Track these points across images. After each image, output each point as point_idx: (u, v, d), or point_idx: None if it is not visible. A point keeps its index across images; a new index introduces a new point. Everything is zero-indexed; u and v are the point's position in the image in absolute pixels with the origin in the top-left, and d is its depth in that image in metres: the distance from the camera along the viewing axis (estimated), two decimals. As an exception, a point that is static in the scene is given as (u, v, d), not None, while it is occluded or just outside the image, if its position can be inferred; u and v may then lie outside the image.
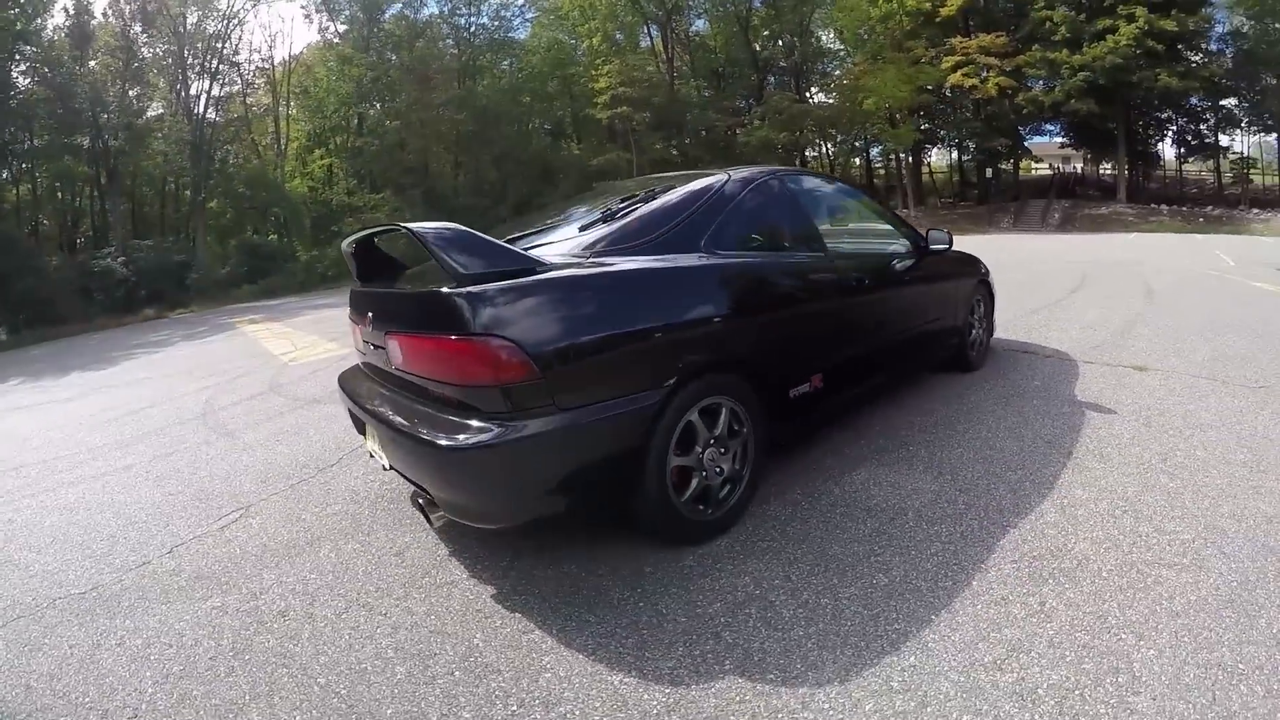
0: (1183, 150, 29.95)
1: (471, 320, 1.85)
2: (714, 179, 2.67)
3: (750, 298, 2.46)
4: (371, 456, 2.42)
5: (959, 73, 24.93)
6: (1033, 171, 34.02)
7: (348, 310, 2.71)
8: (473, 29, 29.63)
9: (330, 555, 2.52)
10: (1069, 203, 26.74)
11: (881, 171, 34.34)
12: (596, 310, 2.03)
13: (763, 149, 26.11)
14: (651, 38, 29.92)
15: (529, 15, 30.77)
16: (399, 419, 2.13)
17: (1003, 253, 11.24)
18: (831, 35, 29.95)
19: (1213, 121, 28.48)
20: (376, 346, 2.34)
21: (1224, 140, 29.01)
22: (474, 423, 1.91)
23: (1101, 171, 34.26)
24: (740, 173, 2.79)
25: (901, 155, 29.93)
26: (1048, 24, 25.20)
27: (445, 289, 1.92)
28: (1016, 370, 4.35)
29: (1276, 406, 3.40)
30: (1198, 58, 25.54)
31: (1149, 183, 29.63)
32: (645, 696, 1.66)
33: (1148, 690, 1.55)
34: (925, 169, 33.56)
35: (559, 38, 30.62)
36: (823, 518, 2.47)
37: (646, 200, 2.45)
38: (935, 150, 33.54)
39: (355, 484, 3.24)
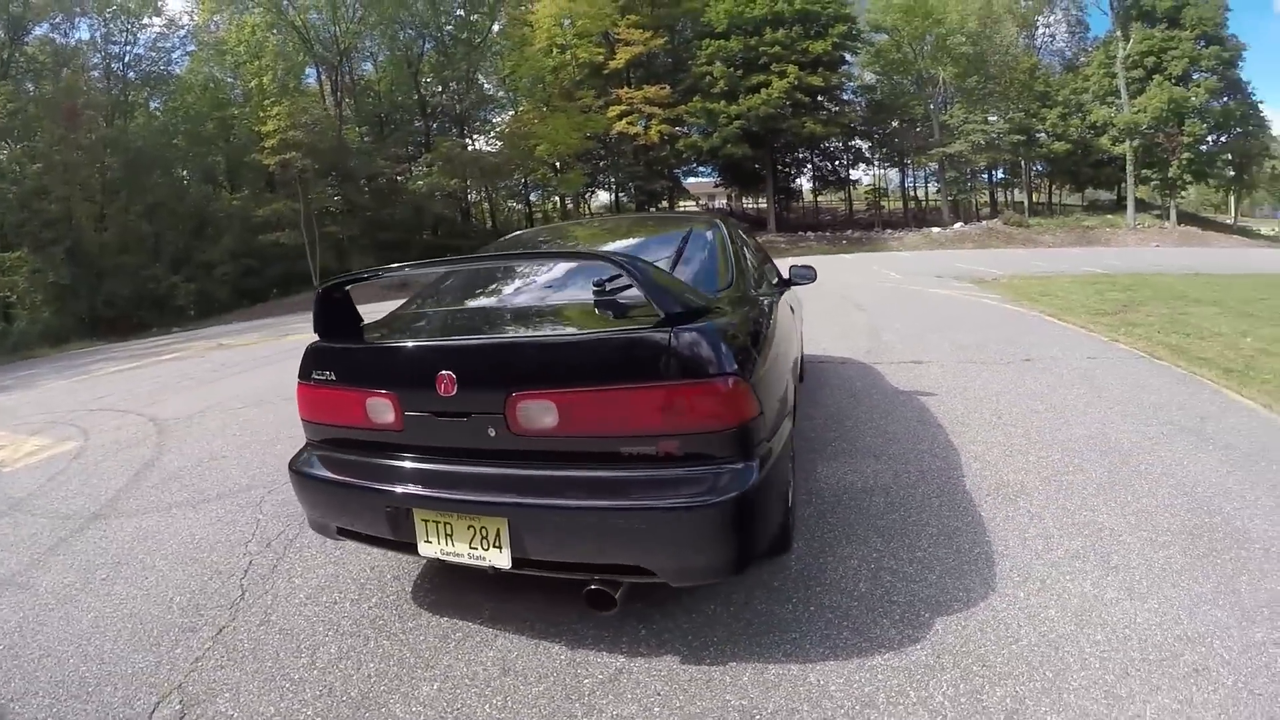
0: (818, 184, 40.22)
1: (714, 360, 1.84)
2: (699, 224, 3.15)
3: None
4: (441, 559, 2.10)
5: (624, 121, 30.18)
6: (685, 209, 41.62)
7: (344, 376, 2.29)
8: (127, 59, 27.93)
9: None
10: (725, 236, 34.92)
11: (539, 215, 38.84)
12: (774, 343, 2.34)
13: (429, 196, 28.58)
14: (321, 80, 30.22)
15: (189, 48, 29.63)
16: (576, 497, 1.91)
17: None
18: (495, 83, 33.48)
19: (846, 159, 38.84)
20: (457, 416, 2.05)
21: (854, 174, 40.35)
22: (707, 471, 1.86)
23: (747, 206, 43.52)
24: (703, 218, 3.37)
25: (564, 199, 34.53)
26: (708, 78, 32.16)
27: (666, 330, 1.86)
28: (836, 376, 5.64)
29: (1034, 373, 5.25)
30: (836, 107, 34.76)
31: (790, 214, 38.27)
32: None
33: (1008, 467, 3.40)
34: (586, 211, 38.32)
35: (216, 75, 29.81)
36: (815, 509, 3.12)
37: (684, 244, 2.73)
38: (597, 193, 39.09)
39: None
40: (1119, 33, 37.45)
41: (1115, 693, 1.82)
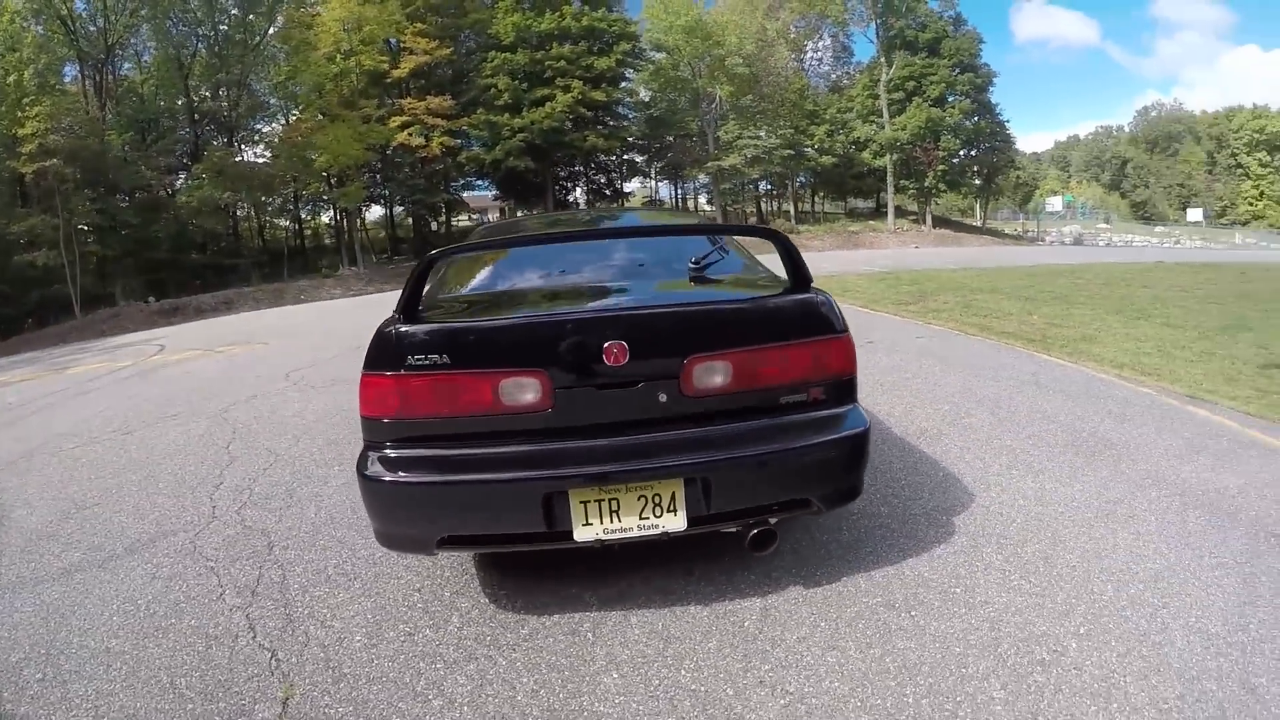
0: (592, 197, 43.01)
1: (840, 319, 2.47)
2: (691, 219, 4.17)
3: None
4: (601, 540, 2.25)
5: (405, 132, 31.01)
6: (457, 224, 42.12)
7: (467, 358, 2.25)
8: None
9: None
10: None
11: (309, 232, 39.26)
12: None
13: (198, 211, 27.91)
14: (82, 78, 28.30)
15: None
16: (752, 446, 2.27)
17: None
18: (268, 89, 32.61)
19: (621, 172, 42.39)
20: (623, 385, 2.27)
21: (628, 187, 44.30)
22: (839, 411, 2.43)
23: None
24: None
25: (343, 214, 33.93)
26: (493, 90, 33.82)
27: (804, 295, 2.47)
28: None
29: (883, 352, 6.82)
30: (616, 122, 38.08)
31: None
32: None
33: (918, 417, 4.84)
34: (362, 227, 37.94)
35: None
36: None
37: (713, 244, 3.06)
38: (372, 207, 39.14)
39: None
40: (883, 59, 44.18)
41: (1093, 533, 2.93)
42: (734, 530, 2.43)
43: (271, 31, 30.62)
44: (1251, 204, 71.81)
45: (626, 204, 43.35)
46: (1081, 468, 3.74)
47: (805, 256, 2.58)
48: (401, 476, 2.26)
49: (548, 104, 33.47)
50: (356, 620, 2.56)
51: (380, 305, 8.01)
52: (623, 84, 38.26)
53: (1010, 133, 49.66)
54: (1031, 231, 46.66)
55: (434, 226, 39.20)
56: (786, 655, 2.23)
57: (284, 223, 38.05)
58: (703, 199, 49.33)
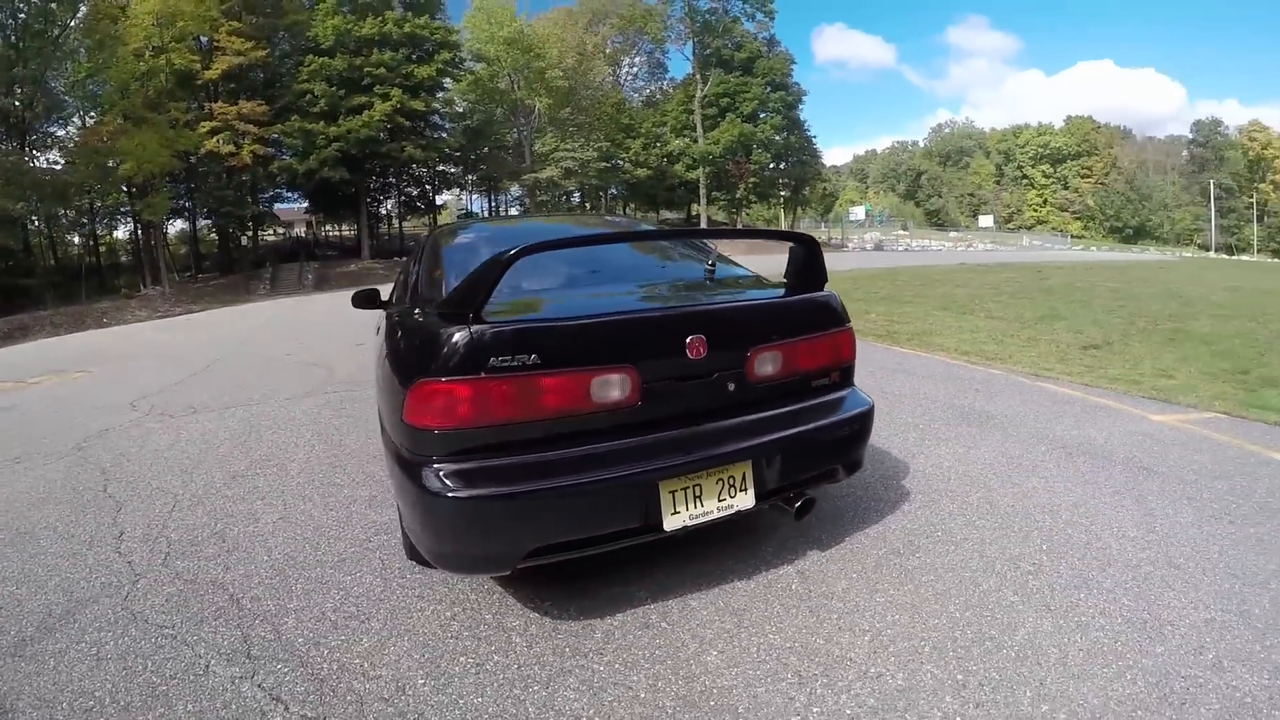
0: (403, 209, 43.49)
1: (846, 313, 2.95)
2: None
3: None
4: (686, 527, 2.38)
5: (215, 139, 29.72)
6: (265, 238, 41.03)
7: (558, 357, 2.28)
8: None
9: None
10: (318, 264, 33.89)
11: (103, 248, 36.54)
12: None
13: None
14: None
15: None
16: (802, 424, 2.65)
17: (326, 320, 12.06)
18: (64, 88, 30.42)
19: (434, 185, 42.52)
20: (701, 377, 2.46)
21: (440, 199, 44.29)
22: (849, 391, 2.94)
23: (330, 233, 45.72)
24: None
25: (145, 227, 31.40)
26: (308, 96, 32.86)
27: (827, 293, 2.93)
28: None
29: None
30: (434, 133, 38.09)
31: (373, 240, 39.50)
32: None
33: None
34: (164, 242, 34.89)
35: None
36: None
37: (698, 249, 3.64)
38: (175, 221, 36.79)
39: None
40: (699, 76, 47.61)
41: (1014, 481, 3.71)
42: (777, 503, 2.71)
43: (73, 23, 28.09)
44: (1035, 210, 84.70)
45: (439, 218, 43.01)
46: (979, 435, 4.51)
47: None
48: (483, 490, 2.18)
49: (365, 112, 32.75)
50: (404, 663, 2.33)
51: (198, 327, 7.65)
52: (440, 94, 38.27)
53: (817, 147, 54.60)
54: (835, 239, 52.08)
55: (243, 241, 37.41)
56: (844, 603, 2.59)
57: (76, 239, 35.04)
58: (514, 212, 50.22)
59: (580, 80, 42.20)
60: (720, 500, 2.43)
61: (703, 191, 47.60)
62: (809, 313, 2.83)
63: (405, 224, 45.68)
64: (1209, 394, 5.54)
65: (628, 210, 51.34)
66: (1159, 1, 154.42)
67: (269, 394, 6.88)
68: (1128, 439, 4.45)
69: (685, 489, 2.37)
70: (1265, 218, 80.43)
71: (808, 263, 2.89)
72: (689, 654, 2.33)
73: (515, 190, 45.82)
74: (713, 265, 3.14)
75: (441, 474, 2.21)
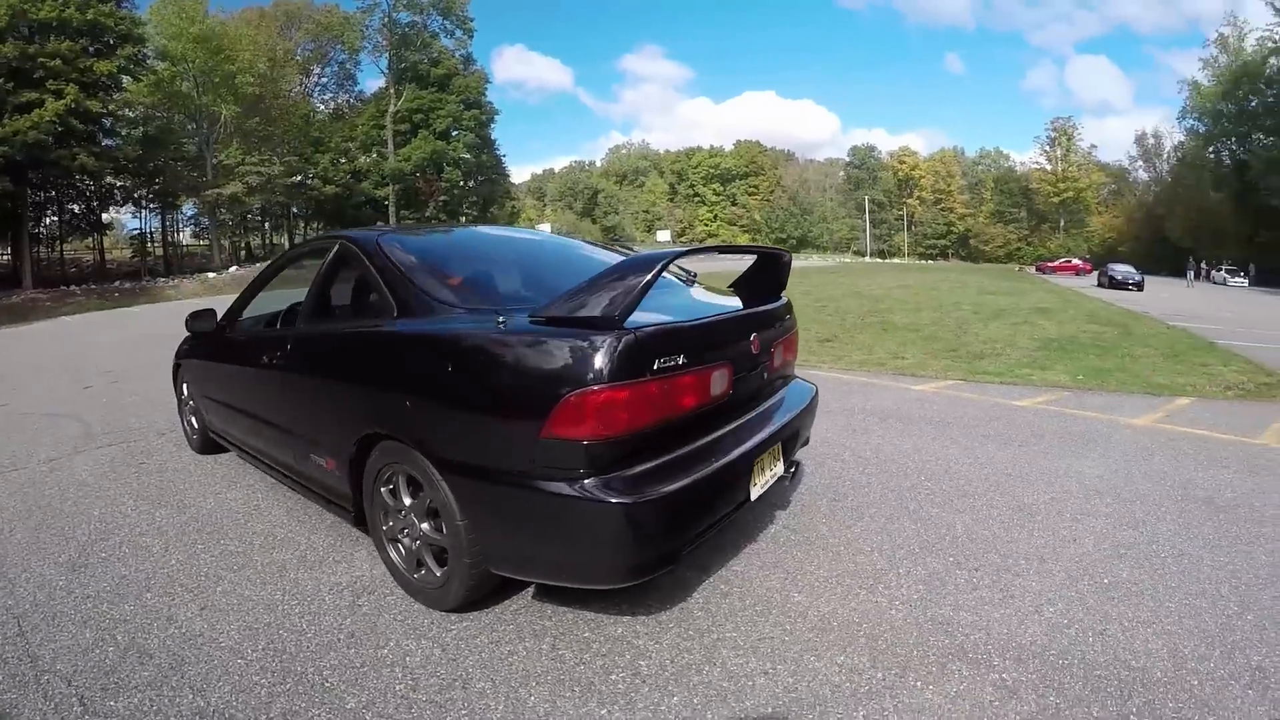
0: (66, 229, 39.22)
1: None
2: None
3: None
4: (757, 495, 2.99)
5: None
6: None
7: (695, 356, 2.60)
8: None
9: None
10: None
11: None
12: None
13: None
14: None
15: None
16: (801, 404, 3.54)
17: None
18: None
19: (100, 201, 38.14)
20: (754, 369, 3.15)
21: (106, 217, 39.64)
22: (799, 378, 3.89)
23: None
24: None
25: None
26: None
27: (785, 299, 3.71)
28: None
29: None
30: (108, 140, 34.41)
31: (33, 265, 34.42)
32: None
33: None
34: None
35: None
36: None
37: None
38: None
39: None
40: (393, 90, 49.04)
41: (859, 439, 5.53)
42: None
43: None
44: (706, 225, 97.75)
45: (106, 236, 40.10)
46: (897, 430, 5.80)
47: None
48: (654, 493, 2.38)
49: (35, 111, 29.21)
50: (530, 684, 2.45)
51: None
52: (117, 95, 34.90)
53: (506, 166, 58.64)
54: None
55: None
56: (885, 558, 3.38)
57: None
58: (188, 232, 48.33)
59: (270, 88, 41.76)
60: (770, 470, 3.04)
61: (392, 209, 49.16)
62: (788, 314, 3.67)
63: (67, 247, 41.48)
64: (940, 368, 7.69)
65: (309, 229, 51.35)
66: (816, 41, 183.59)
67: (18, 458, 5.32)
68: (912, 404, 6.35)
69: (762, 462, 2.93)
70: (913, 226, 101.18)
71: (772, 273, 3.69)
72: (767, 634, 2.81)
73: (189, 209, 44.00)
74: (693, 276, 3.96)
75: (613, 484, 2.35)
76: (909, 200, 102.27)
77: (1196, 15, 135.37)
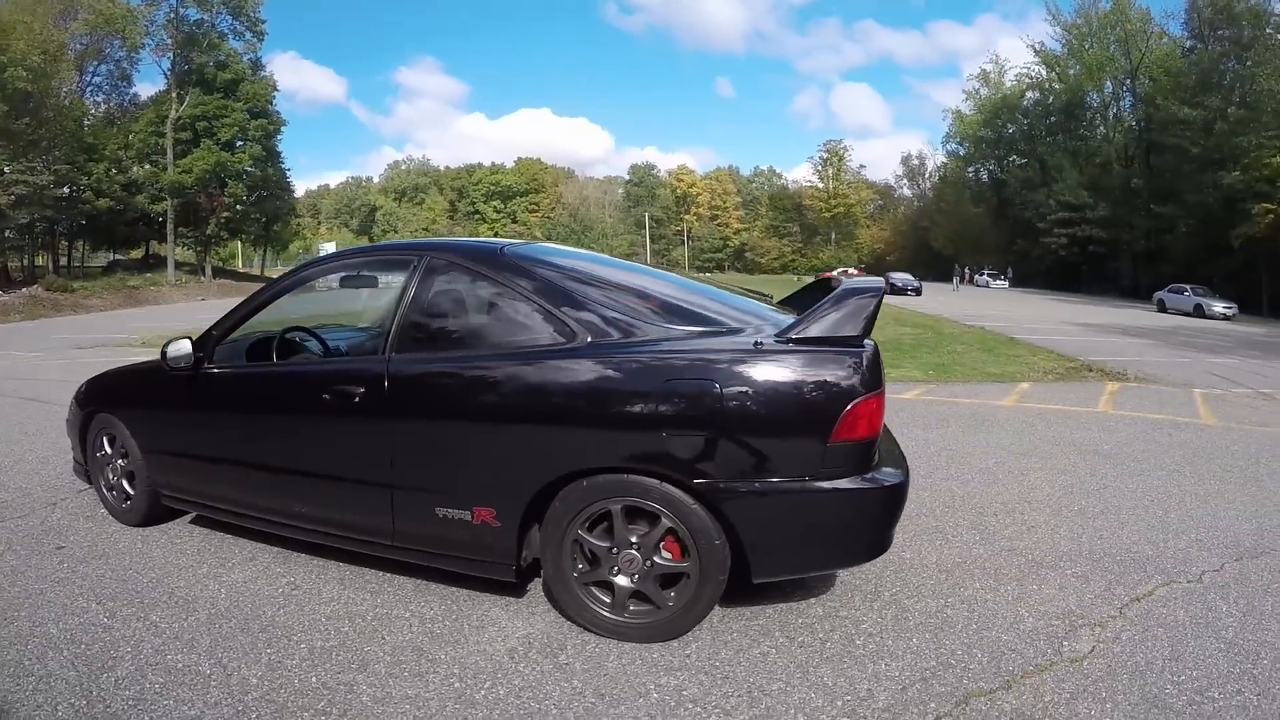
0: None
1: None
2: None
3: None
4: None
5: None
6: None
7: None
8: None
9: None
10: None
11: None
12: None
13: None
14: None
15: None
16: None
17: None
18: None
19: None
20: None
21: None
22: None
23: None
24: None
25: None
26: None
27: None
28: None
29: None
30: None
31: None
32: None
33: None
34: None
35: None
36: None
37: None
38: None
39: None
40: (175, 94, 46.19)
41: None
42: None
43: None
44: None
45: None
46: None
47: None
48: (899, 475, 2.99)
49: None
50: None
51: None
52: None
53: (290, 181, 56.99)
54: None
55: None
56: (927, 521, 4.15)
57: None
58: None
59: (43, 84, 38.17)
60: None
61: (170, 227, 46.58)
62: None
63: None
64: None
65: (78, 249, 47.83)
66: (593, 61, 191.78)
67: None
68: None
69: None
70: (691, 241, 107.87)
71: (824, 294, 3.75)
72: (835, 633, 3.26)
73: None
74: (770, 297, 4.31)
75: (874, 475, 2.90)
76: (687, 216, 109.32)
77: (954, 50, 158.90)
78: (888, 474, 2.95)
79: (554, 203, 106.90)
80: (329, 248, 74.41)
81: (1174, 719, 2.49)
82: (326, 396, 3.36)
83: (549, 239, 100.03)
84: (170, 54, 47.39)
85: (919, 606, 3.34)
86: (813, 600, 3.38)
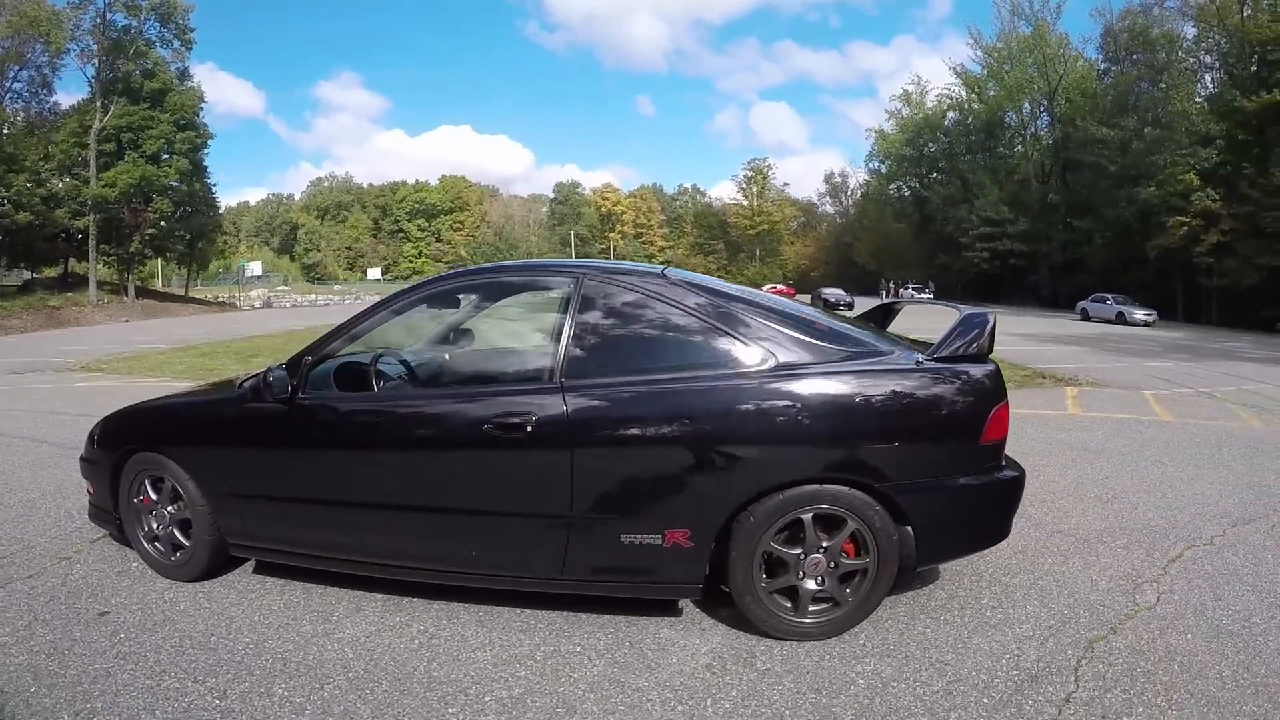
0: None
1: None
2: None
3: None
4: None
5: None
6: None
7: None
8: None
9: None
10: None
11: None
12: None
13: None
14: None
15: None
16: None
17: None
18: None
19: None
20: None
21: None
22: None
23: None
24: None
25: None
26: None
27: None
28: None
29: None
30: None
31: None
32: None
33: None
34: None
35: None
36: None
37: None
38: None
39: None
40: (99, 104, 44.82)
41: None
42: None
43: None
44: (411, 262, 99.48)
45: None
46: None
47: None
48: (1020, 471, 3.54)
49: None
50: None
51: None
52: None
53: (217, 197, 55.67)
54: (229, 297, 54.35)
55: None
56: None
57: None
58: None
59: None
60: None
61: (93, 243, 45.25)
62: None
63: None
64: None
65: None
66: (513, 78, 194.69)
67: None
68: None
69: None
70: (615, 258, 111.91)
71: (891, 316, 4.81)
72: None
73: None
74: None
75: (1006, 470, 3.44)
76: (612, 234, 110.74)
77: (871, 70, 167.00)
78: (1012, 469, 3.46)
79: (479, 221, 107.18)
80: (256, 268, 72.75)
81: (1235, 639, 3.25)
82: (487, 428, 3.18)
83: (471, 258, 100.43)
84: (96, 60, 45.52)
85: (1016, 581, 3.91)
86: (932, 586, 3.84)
